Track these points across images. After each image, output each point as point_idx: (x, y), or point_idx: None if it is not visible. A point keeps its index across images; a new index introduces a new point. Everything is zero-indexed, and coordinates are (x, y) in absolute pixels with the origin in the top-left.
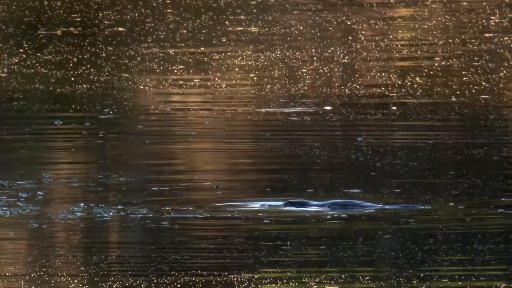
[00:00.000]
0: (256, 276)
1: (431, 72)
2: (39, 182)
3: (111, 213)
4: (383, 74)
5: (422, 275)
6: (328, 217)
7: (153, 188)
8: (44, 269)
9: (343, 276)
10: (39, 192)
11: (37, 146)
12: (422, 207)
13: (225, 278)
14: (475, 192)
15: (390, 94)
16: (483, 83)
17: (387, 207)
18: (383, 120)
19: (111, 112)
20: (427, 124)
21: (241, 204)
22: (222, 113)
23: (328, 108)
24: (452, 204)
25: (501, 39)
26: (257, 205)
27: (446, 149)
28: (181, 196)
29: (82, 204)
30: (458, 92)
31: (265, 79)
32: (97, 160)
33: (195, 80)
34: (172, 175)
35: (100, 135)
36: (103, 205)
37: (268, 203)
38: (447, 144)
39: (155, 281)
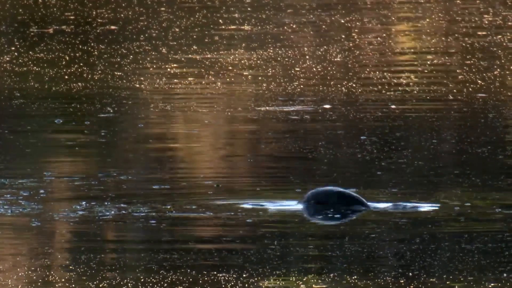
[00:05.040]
0: (244, 275)
1: (426, 71)
2: (40, 180)
3: (112, 212)
4: (378, 72)
5: (410, 274)
6: (318, 216)
7: (154, 187)
8: (33, 268)
9: (331, 275)
10: (40, 191)
11: (38, 144)
12: (409, 205)
13: (212, 277)
14: (475, 192)
15: (388, 93)
16: (479, 81)
17: (380, 205)
18: (384, 118)
19: (110, 111)
20: (428, 122)
21: (245, 203)
22: (221, 111)
23: (327, 106)
24: (450, 203)
25: (494, 37)
26: (259, 203)
27: (449, 148)
28: (182, 195)
29: (83, 203)
30: (455, 91)
31: (260, 78)
32: (98, 158)
33: (190, 79)
34: (173, 173)
35: (102, 133)
36: (105, 203)
37: (272, 202)
38: (450, 143)
39: (142, 279)
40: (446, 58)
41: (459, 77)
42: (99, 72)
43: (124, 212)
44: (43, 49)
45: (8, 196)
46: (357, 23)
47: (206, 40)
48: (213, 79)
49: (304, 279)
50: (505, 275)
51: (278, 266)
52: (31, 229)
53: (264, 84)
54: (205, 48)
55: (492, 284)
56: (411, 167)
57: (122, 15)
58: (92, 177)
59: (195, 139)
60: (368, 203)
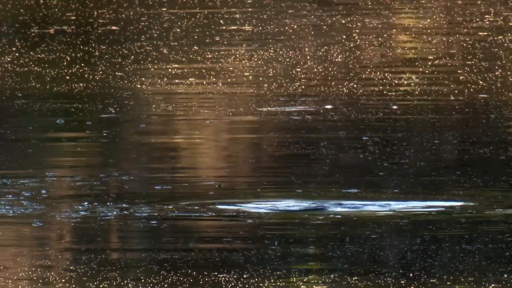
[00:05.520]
0: (244, 276)
1: (427, 71)
2: (42, 180)
3: (114, 212)
4: (379, 73)
5: (411, 275)
6: (319, 217)
7: (156, 187)
8: (33, 268)
9: (331, 276)
10: (42, 191)
11: (40, 144)
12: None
13: (213, 278)
14: (477, 192)
15: (389, 94)
16: (480, 82)
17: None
18: (385, 119)
19: (112, 111)
20: (430, 123)
21: (247, 204)
22: (223, 112)
23: (328, 107)
24: (452, 204)
25: (495, 38)
26: (264, 205)
27: (451, 148)
28: (184, 195)
29: (85, 203)
30: (456, 91)
31: (261, 78)
32: (100, 158)
33: (191, 79)
34: (174, 174)
35: (104, 134)
36: (107, 204)
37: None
38: (452, 143)
39: (143, 280)
40: (447, 58)
41: (460, 77)
42: (100, 72)
43: (126, 212)
44: (44, 50)
45: (10, 196)
46: (358, 24)
47: (207, 40)
48: (214, 79)
49: (304, 280)
50: (505, 276)
51: (278, 266)
52: (32, 229)
53: (265, 85)
54: (206, 48)
55: (492, 285)
56: (413, 167)
57: (123, 16)
58: (94, 177)
59: (197, 139)
60: None
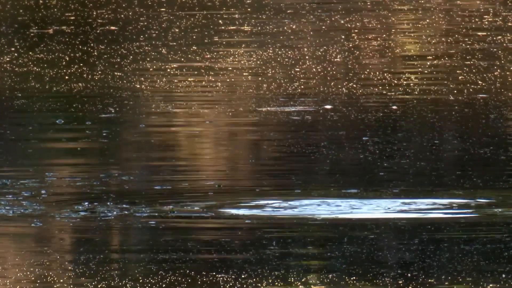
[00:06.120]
0: (243, 276)
1: (426, 72)
2: (42, 181)
3: (114, 212)
4: (378, 73)
5: (409, 275)
6: (318, 217)
7: (155, 187)
8: (32, 268)
9: (329, 276)
10: (42, 191)
11: (40, 145)
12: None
13: (211, 278)
14: (476, 192)
15: (388, 94)
16: (479, 82)
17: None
18: (385, 119)
19: (112, 111)
20: (430, 123)
21: (247, 204)
22: (222, 112)
23: (328, 107)
24: (451, 204)
25: (494, 38)
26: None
27: (451, 148)
28: (184, 195)
29: (86, 203)
30: (455, 91)
31: (260, 78)
32: (100, 158)
33: (190, 79)
34: (174, 174)
35: (103, 134)
36: (107, 204)
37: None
38: (451, 143)
39: (141, 280)
40: (447, 58)
41: (460, 77)
42: (100, 72)
43: (126, 212)
44: (43, 50)
45: (10, 196)
46: (357, 24)
47: (206, 40)
48: (213, 79)
49: (303, 280)
50: (504, 276)
51: (277, 267)
52: (32, 229)
53: (265, 85)
54: (205, 48)
55: (490, 285)
56: (413, 167)
57: (122, 16)
58: (94, 177)
59: (196, 139)
60: None
